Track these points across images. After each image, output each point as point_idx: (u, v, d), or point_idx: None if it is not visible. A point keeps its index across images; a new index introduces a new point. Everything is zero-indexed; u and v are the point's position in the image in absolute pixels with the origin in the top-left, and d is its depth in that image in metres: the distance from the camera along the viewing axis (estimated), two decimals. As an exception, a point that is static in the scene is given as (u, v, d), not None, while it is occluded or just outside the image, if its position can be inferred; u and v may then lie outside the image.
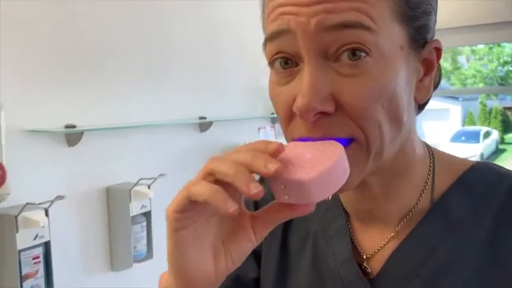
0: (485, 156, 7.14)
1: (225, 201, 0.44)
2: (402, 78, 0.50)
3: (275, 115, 2.35)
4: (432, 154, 0.62)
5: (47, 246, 1.32)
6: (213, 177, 0.45)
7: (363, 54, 0.47)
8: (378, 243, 0.61)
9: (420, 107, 0.62)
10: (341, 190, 0.49)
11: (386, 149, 0.51)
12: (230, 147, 2.14)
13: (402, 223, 0.59)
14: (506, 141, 7.98)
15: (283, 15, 0.48)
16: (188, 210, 0.46)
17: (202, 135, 2.01)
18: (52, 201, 1.32)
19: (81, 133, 1.48)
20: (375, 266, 0.60)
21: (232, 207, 0.43)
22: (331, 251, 0.64)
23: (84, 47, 1.51)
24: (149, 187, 1.61)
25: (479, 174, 0.59)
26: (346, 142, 0.49)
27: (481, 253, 0.54)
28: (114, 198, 1.58)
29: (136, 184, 1.56)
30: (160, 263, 1.82)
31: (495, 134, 7.74)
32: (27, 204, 1.24)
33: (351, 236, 0.64)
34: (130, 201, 1.55)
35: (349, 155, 0.48)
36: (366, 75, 0.48)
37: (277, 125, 2.53)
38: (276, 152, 0.46)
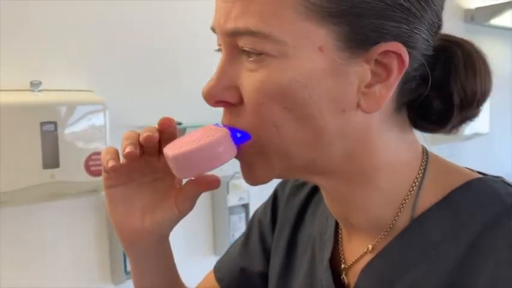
0: None
1: (106, 160, 0.56)
2: (318, 81, 0.46)
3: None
4: (425, 166, 0.55)
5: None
6: None
7: (258, 54, 0.47)
8: (357, 253, 0.59)
9: (422, 116, 0.56)
10: (252, 182, 0.55)
11: (297, 151, 0.50)
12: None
13: (379, 237, 0.56)
14: None
15: (215, 10, 0.52)
16: (113, 172, 0.59)
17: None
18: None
19: (185, 129, 1.65)
20: (351, 278, 0.60)
21: (107, 165, 0.56)
22: (322, 257, 0.65)
23: (186, 52, 1.67)
24: (247, 181, 1.71)
25: (472, 192, 0.52)
26: (246, 137, 0.51)
27: (448, 284, 0.49)
28: (215, 190, 1.72)
29: (232, 177, 1.67)
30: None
31: None
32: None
33: (339, 243, 0.64)
34: (228, 192, 1.67)
35: (249, 148, 0.51)
36: (263, 73, 0.48)
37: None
38: (159, 126, 0.58)
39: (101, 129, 1.37)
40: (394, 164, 0.54)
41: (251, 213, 1.73)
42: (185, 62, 1.67)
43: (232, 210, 1.69)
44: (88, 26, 1.47)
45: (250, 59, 0.48)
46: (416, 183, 0.54)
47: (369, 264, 0.56)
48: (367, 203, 0.55)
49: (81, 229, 1.50)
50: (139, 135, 0.58)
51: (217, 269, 0.83)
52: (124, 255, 1.48)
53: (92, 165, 1.36)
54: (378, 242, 0.56)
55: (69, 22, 1.43)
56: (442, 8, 0.53)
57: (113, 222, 0.62)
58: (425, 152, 0.57)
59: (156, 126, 0.58)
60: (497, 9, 2.51)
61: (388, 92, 0.49)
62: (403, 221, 0.54)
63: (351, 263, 0.59)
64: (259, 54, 0.47)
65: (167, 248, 0.67)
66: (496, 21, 2.57)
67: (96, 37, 1.49)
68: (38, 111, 1.28)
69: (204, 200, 1.74)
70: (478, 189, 0.52)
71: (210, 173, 0.57)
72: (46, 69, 1.40)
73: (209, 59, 1.68)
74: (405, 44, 0.48)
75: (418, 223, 0.53)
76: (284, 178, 0.62)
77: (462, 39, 0.55)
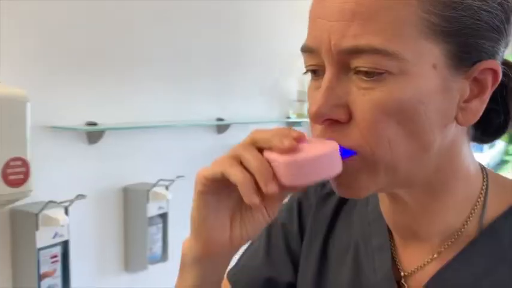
0: (490, 167, 7.03)
1: (251, 192, 0.49)
2: (432, 97, 0.48)
3: (290, 119, 2.35)
4: (487, 177, 0.59)
5: (65, 245, 1.30)
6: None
7: (379, 73, 0.47)
8: (417, 261, 0.59)
9: (487, 132, 0.59)
10: (350, 194, 0.54)
11: (404, 165, 0.50)
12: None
13: (446, 245, 0.57)
14: (510, 152, 7.87)
15: (313, 30, 0.50)
16: (217, 181, 0.51)
17: (220, 137, 1.99)
18: (73, 200, 1.30)
19: (102, 131, 1.46)
20: (413, 284, 0.59)
21: (255, 200, 0.49)
22: (372, 266, 0.63)
23: (108, 46, 1.49)
24: (167, 188, 1.59)
25: None
26: (353, 153, 0.50)
27: None
28: (131, 199, 1.56)
29: (155, 185, 1.54)
30: (175, 265, 1.79)
31: (501, 145, 7.65)
32: (49, 202, 1.22)
33: (391, 251, 0.63)
34: (148, 202, 1.53)
35: (356, 164, 0.50)
36: (383, 91, 0.47)
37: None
38: (298, 138, 0.50)
39: (22, 129, 1.13)
40: (467, 174, 0.58)
41: (169, 223, 1.62)
42: (104, 62, 1.48)
43: (150, 221, 1.56)
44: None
45: (366, 78, 0.48)
46: (483, 193, 0.58)
47: (442, 271, 0.57)
48: (442, 211, 0.57)
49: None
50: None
51: (234, 280, 0.76)
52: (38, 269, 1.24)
53: (10, 173, 1.10)
54: (445, 250, 0.58)
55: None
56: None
57: (200, 234, 0.55)
58: (482, 167, 0.62)
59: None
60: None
61: (482, 105, 0.52)
62: (471, 229, 0.57)
63: (411, 270, 0.61)
64: (380, 72, 0.47)
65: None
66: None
67: (12, 18, 1.22)
68: None
69: (117, 211, 1.56)
70: None
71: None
72: None
73: (125, 60, 1.53)
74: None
75: (489, 231, 0.57)
76: (380, 191, 0.61)
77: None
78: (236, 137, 2.07)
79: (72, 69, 1.39)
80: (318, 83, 0.53)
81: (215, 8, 1.91)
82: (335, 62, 0.49)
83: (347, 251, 0.67)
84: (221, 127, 1.98)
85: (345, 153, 0.50)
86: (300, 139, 0.50)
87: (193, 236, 0.55)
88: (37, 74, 1.31)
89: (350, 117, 0.50)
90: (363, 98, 0.48)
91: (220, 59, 1.97)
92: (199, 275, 0.58)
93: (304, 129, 2.63)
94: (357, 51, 0.47)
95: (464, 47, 0.48)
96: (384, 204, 0.62)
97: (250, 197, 0.49)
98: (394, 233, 0.63)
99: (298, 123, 2.48)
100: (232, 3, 2.00)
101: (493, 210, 0.56)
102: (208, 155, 1.94)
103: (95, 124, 1.44)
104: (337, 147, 0.49)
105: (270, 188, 0.48)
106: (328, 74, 0.50)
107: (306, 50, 0.52)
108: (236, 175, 0.50)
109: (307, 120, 2.23)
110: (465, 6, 0.47)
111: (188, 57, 1.80)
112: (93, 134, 1.45)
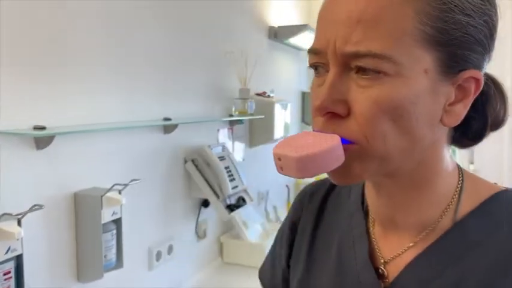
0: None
1: None
2: (422, 99, 0.54)
3: (232, 118, 2.35)
4: (462, 176, 0.65)
5: (19, 260, 1.21)
6: None
7: (377, 73, 0.53)
8: (396, 249, 0.66)
9: (473, 136, 0.65)
10: (344, 181, 0.59)
11: (396, 157, 0.57)
12: (193, 150, 2.09)
13: (422, 235, 0.63)
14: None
15: (321, 34, 0.56)
16: None
17: (166, 137, 1.95)
18: (25, 212, 1.21)
19: (52, 136, 1.37)
20: (392, 271, 0.65)
21: None
22: (353, 255, 0.69)
23: (55, 46, 1.40)
24: (120, 193, 1.53)
25: (502, 202, 0.63)
26: (349, 142, 0.55)
27: (485, 279, 0.58)
28: (82, 205, 1.48)
29: (109, 190, 1.47)
30: (130, 272, 1.72)
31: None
32: (4, 214, 1.12)
33: (372, 240, 0.68)
34: (102, 207, 1.46)
35: (352, 153, 0.55)
36: (379, 90, 0.53)
37: (235, 127, 2.51)
38: None
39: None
40: (445, 171, 0.64)
41: (123, 228, 1.56)
42: (52, 63, 1.39)
43: (104, 227, 1.49)
44: None
45: (365, 76, 0.54)
46: (458, 190, 0.64)
47: (416, 259, 0.63)
48: (421, 204, 0.63)
49: None
50: None
51: (261, 278, 0.86)
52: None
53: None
54: (420, 239, 0.64)
55: None
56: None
57: None
58: (458, 166, 0.68)
59: None
60: (295, 30, 2.88)
61: (464, 109, 0.59)
62: (446, 222, 0.62)
63: (390, 258, 0.66)
64: (377, 72, 0.53)
65: None
66: (293, 40, 2.94)
67: None
68: None
69: (68, 218, 1.48)
70: (507, 198, 0.64)
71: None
72: None
73: (72, 61, 1.45)
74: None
75: (460, 225, 0.62)
76: (366, 179, 0.66)
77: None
78: (182, 137, 2.04)
79: (16, 69, 1.29)
80: (320, 80, 0.58)
81: (159, 8, 1.87)
82: (338, 63, 0.55)
83: (332, 239, 0.73)
84: (168, 127, 1.93)
85: (344, 142, 0.55)
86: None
87: None
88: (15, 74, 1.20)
89: (349, 111, 0.55)
90: (361, 95, 0.54)
91: (165, 59, 1.92)
92: None
93: (245, 126, 2.64)
94: (358, 55, 0.53)
95: (453, 56, 0.55)
96: (370, 197, 0.68)
97: None
98: (376, 223, 0.69)
99: (240, 121, 2.48)
100: (176, 4, 1.96)
101: (466, 206, 0.63)
102: (156, 155, 1.89)
103: (43, 128, 1.35)
104: (339, 139, 0.54)
105: None
106: (331, 73, 0.55)
107: (313, 51, 0.58)
108: None
109: (248, 118, 2.26)
110: (455, 21, 0.54)
111: (134, 59, 1.74)
112: (42, 139, 1.36)
